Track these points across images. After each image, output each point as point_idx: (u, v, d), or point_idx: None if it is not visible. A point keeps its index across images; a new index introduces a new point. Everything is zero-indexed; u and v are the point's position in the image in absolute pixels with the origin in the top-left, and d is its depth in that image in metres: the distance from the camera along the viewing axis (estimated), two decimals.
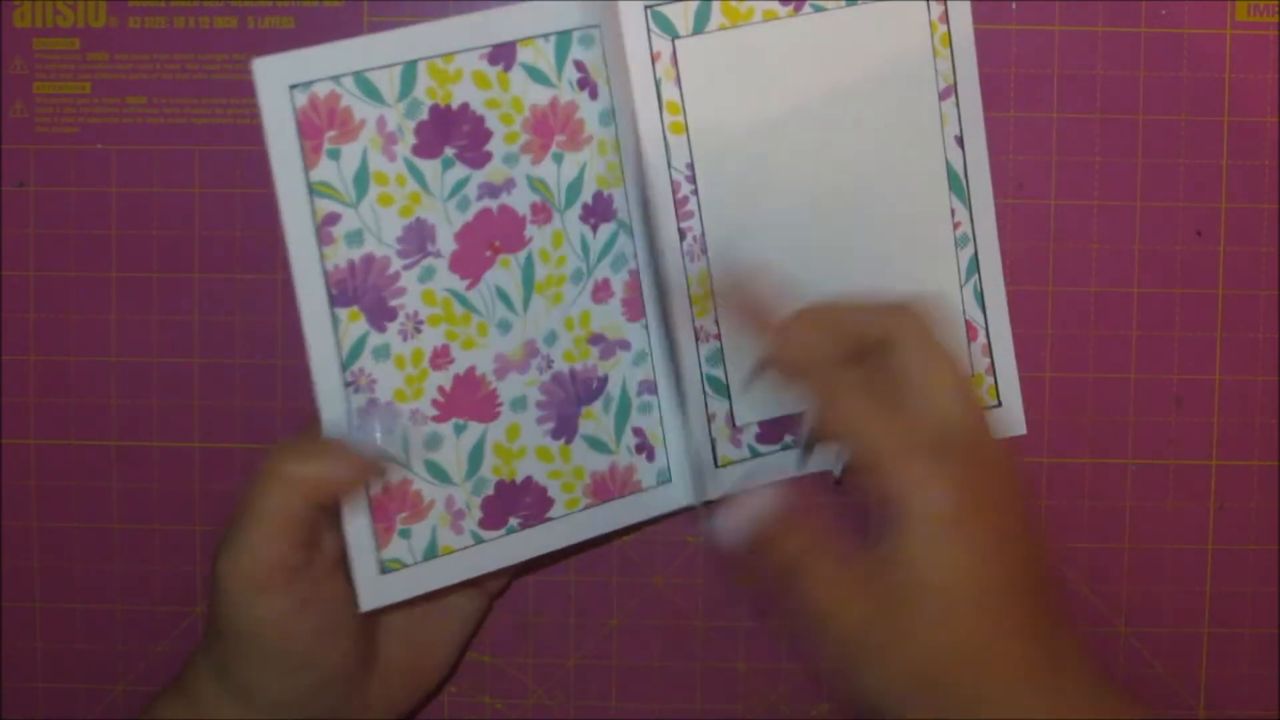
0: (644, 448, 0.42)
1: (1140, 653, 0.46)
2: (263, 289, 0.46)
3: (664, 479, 0.43)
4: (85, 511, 0.47)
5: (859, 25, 0.41)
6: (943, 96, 0.42)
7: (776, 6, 0.41)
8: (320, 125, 0.37)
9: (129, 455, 0.46)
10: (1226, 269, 0.45)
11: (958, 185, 0.42)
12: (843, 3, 0.41)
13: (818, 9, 0.41)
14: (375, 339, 0.38)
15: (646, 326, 0.42)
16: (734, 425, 0.42)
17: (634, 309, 0.42)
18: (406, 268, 0.38)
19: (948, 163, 0.42)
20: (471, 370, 0.40)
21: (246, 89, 0.45)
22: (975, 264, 0.43)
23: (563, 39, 0.39)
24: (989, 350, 0.43)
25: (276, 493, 0.37)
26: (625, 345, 0.42)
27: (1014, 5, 0.45)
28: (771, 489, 0.37)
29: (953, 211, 0.42)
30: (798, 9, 0.41)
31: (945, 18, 0.42)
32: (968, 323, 0.43)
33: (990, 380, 0.44)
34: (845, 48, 0.41)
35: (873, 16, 0.41)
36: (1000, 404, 0.44)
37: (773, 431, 0.43)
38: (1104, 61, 0.45)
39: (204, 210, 0.46)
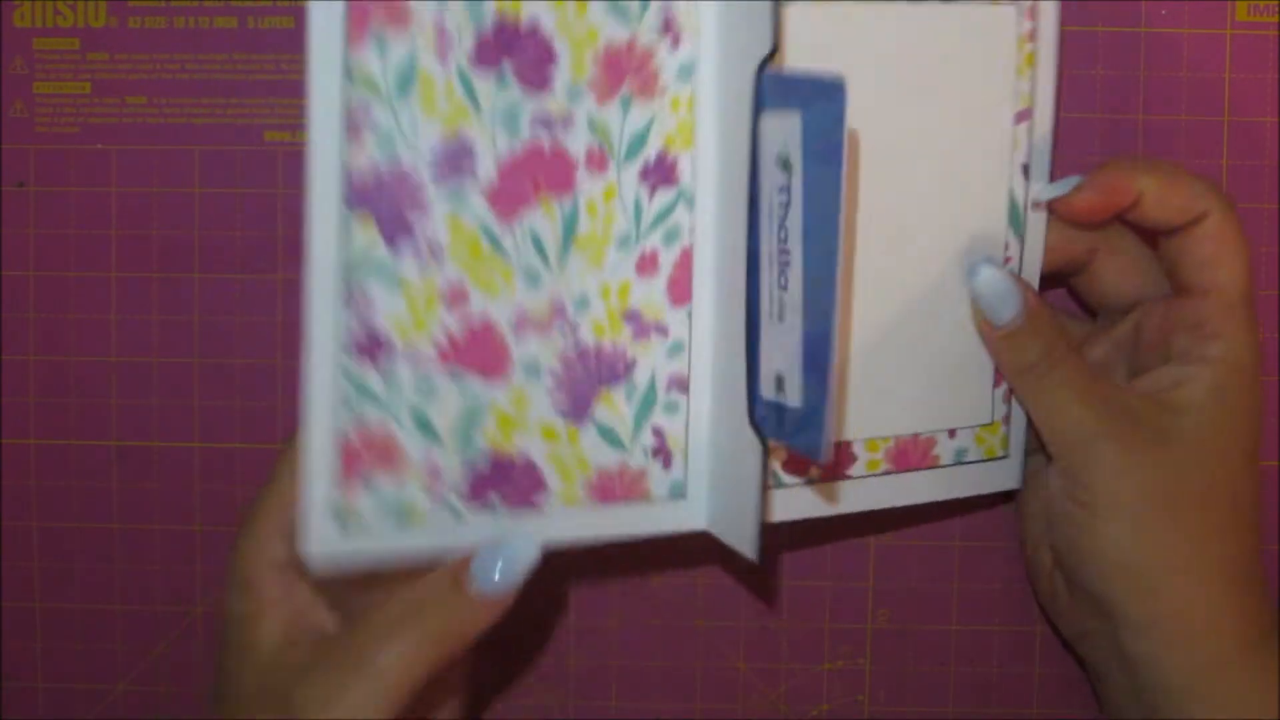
0: (661, 451, 0.38)
1: None
2: (263, 289, 0.46)
3: (677, 493, 0.38)
4: (85, 511, 0.47)
5: (948, 24, 0.37)
6: (1018, 119, 0.38)
7: None
8: (369, 8, 0.33)
9: (129, 455, 0.46)
10: None
11: (1016, 217, 0.39)
12: None
13: None
14: (384, 255, 0.34)
15: (690, 314, 0.37)
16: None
17: (680, 291, 0.37)
18: (436, 184, 0.34)
19: (1010, 191, 0.39)
20: (487, 318, 0.35)
21: (246, 89, 0.45)
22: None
23: None
24: (1010, 398, 0.41)
25: (408, 647, 0.34)
26: (663, 330, 0.37)
27: None
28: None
29: (1006, 245, 0.40)
30: None
31: (1033, 35, 0.38)
32: (997, 369, 0.40)
33: (1005, 430, 0.41)
34: (930, 45, 0.37)
35: (962, 17, 0.37)
36: (1007, 455, 0.42)
37: (799, 463, 0.39)
38: (1104, 61, 0.45)
39: (204, 210, 0.46)
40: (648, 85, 0.36)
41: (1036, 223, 0.40)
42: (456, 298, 0.35)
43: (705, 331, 0.37)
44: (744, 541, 0.36)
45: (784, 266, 0.33)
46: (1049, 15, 0.38)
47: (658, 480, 0.38)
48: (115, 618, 0.47)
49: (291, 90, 0.45)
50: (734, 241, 0.35)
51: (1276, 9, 0.45)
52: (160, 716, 0.47)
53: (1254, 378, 0.38)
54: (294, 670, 0.35)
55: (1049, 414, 0.39)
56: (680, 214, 0.37)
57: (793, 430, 0.34)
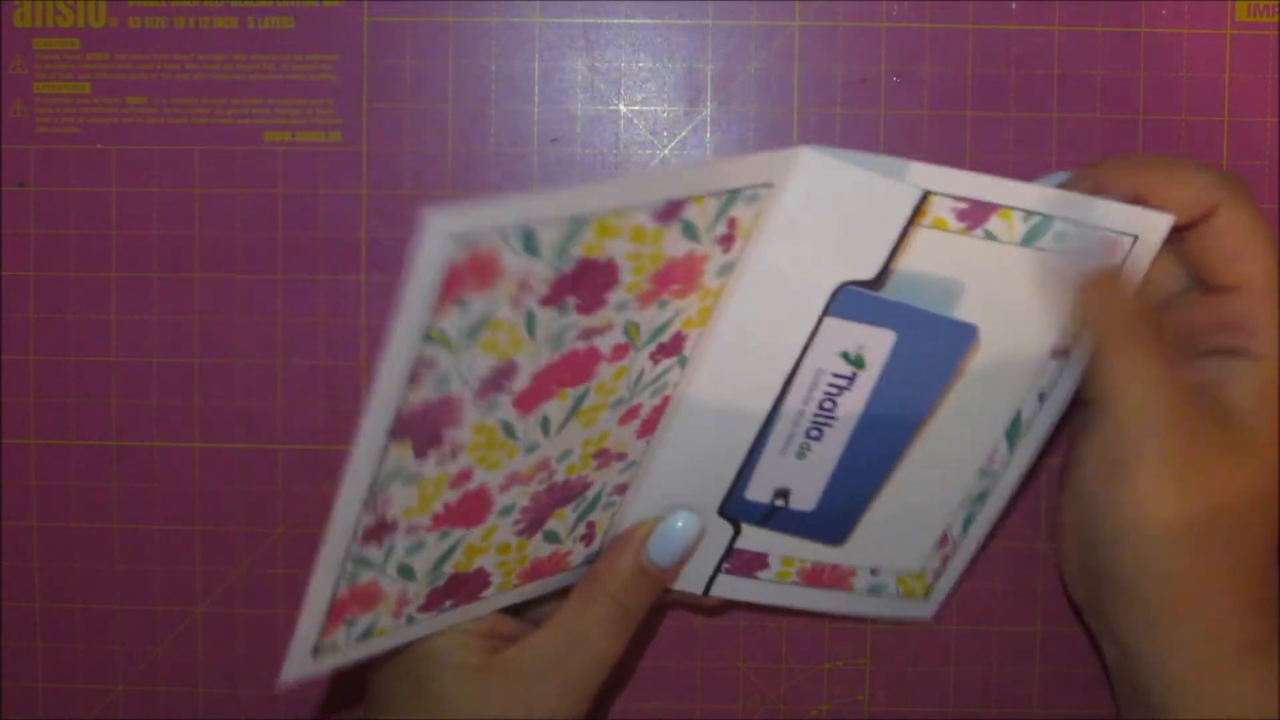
0: (587, 536, 0.41)
1: None
2: (263, 289, 0.46)
3: (591, 559, 0.42)
4: (85, 511, 0.47)
5: (1018, 265, 0.38)
6: (1053, 354, 0.39)
7: (950, 219, 0.37)
8: (465, 275, 0.32)
9: (129, 455, 0.46)
10: None
11: (1014, 431, 0.41)
12: (1016, 241, 0.38)
13: (989, 237, 0.38)
14: (412, 465, 0.35)
15: (649, 442, 0.40)
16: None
17: (648, 428, 0.39)
18: (475, 404, 0.35)
19: (1019, 408, 0.40)
20: (483, 486, 0.37)
21: (246, 89, 0.45)
22: (982, 499, 0.42)
23: (730, 196, 0.35)
24: (947, 560, 0.43)
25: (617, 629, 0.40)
26: (622, 457, 0.39)
27: (1014, 5, 0.45)
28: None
29: (995, 449, 0.41)
30: (970, 229, 0.37)
31: None
32: (943, 534, 0.43)
33: (931, 581, 0.44)
34: (992, 278, 0.38)
35: (1037, 262, 0.38)
36: (927, 599, 0.44)
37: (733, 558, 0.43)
38: (1104, 61, 0.45)
39: (204, 210, 0.46)
40: (688, 287, 0.37)
41: (1032, 443, 0.41)
42: (462, 478, 0.36)
43: (656, 449, 0.40)
44: (696, 584, 0.43)
45: (820, 425, 0.40)
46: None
47: (579, 554, 0.41)
48: (115, 618, 0.47)
49: (291, 90, 0.45)
50: (727, 391, 0.39)
51: (1276, 9, 0.45)
52: (160, 717, 0.47)
53: None
54: (512, 667, 0.39)
55: (1116, 384, 0.36)
56: (671, 374, 0.38)
57: (805, 526, 0.42)
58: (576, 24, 0.45)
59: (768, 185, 0.36)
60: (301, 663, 0.37)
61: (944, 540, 0.43)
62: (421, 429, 0.34)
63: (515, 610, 0.41)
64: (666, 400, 0.39)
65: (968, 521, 0.43)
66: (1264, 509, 0.37)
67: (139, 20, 0.45)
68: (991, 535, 0.43)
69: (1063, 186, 0.39)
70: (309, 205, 0.46)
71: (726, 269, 0.37)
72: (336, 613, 0.37)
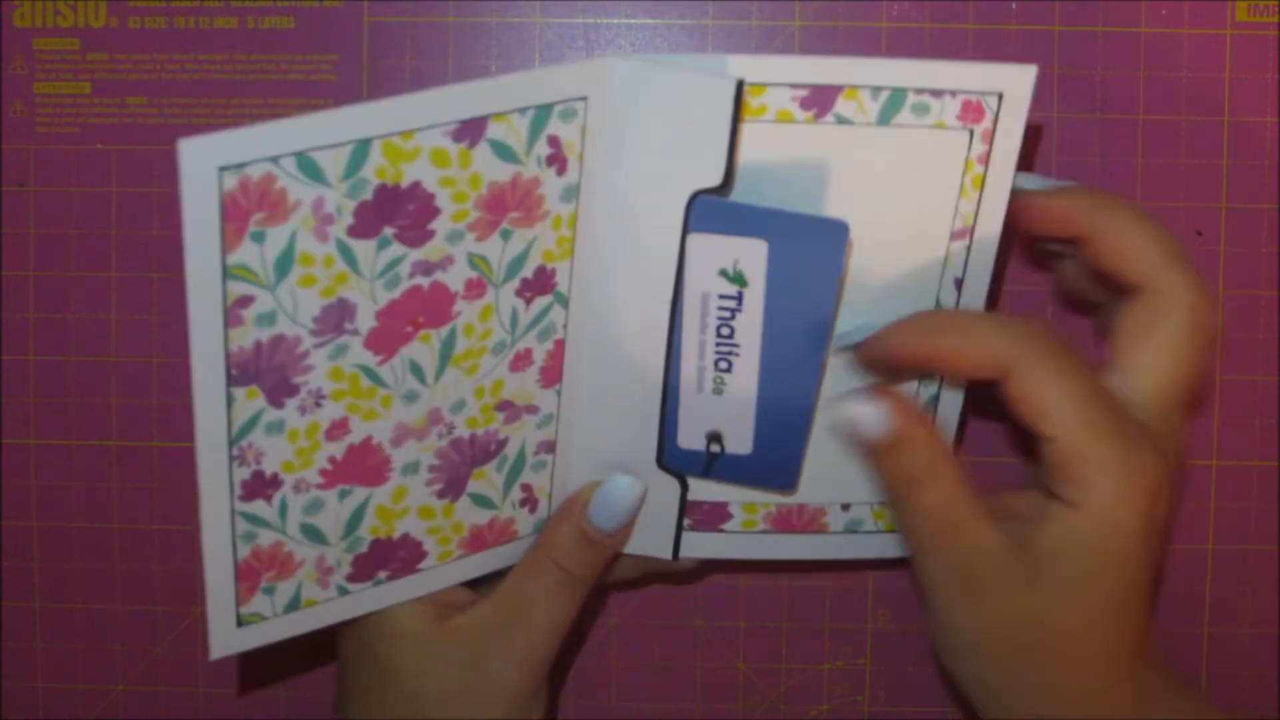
0: (528, 501, 0.40)
1: None
2: None
3: (540, 527, 0.41)
4: (85, 511, 0.47)
5: (882, 146, 0.36)
6: (955, 236, 0.38)
7: (794, 109, 0.36)
8: (247, 208, 0.32)
9: (129, 455, 0.46)
10: (1226, 269, 0.45)
11: None
12: (872, 121, 0.36)
13: (842, 121, 0.36)
14: (270, 415, 0.35)
15: (559, 391, 0.39)
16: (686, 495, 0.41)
17: (550, 376, 0.39)
18: (317, 346, 0.35)
19: (938, 300, 0.39)
20: (368, 439, 0.37)
21: (246, 89, 0.45)
22: (934, 404, 0.40)
23: (540, 113, 0.35)
24: None
25: (566, 603, 0.40)
26: (533, 410, 0.39)
27: (1014, 5, 0.45)
28: (904, 392, 0.36)
29: None
30: (818, 117, 0.36)
31: (986, 159, 0.37)
32: None
33: None
34: (859, 166, 0.37)
35: (902, 141, 0.36)
36: None
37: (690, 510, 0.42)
38: (1104, 61, 0.45)
39: None
40: (530, 214, 0.36)
41: None
42: (337, 429, 0.36)
43: (576, 403, 0.39)
44: (662, 547, 0.42)
45: (726, 355, 0.38)
46: (1007, 145, 0.37)
47: (524, 522, 0.41)
48: (115, 618, 0.47)
49: (291, 90, 0.45)
50: (620, 330, 0.38)
51: (1276, 9, 0.45)
52: (160, 717, 0.47)
53: (1127, 530, 0.34)
54: (460, 635, 0.39)
55: (907, 544, 0.37)
56: (554, 314, 0.38)
57: (750, 473, 0.40)
58: (576, 24, 0.45)
59: (581, 99, 0.35)
60: (227, 634, 0.37)
61: None
62: (264, 374, 0.34)
63: (473, 584, 0.41)
64: (560, 346, 0.39)
65: None
66: (1072, 640, 0.35)
67: (139, 20, 0.45)
68: (958, 445, 0.41)
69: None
70: None
71: (570, 193, 0.36)
72: (246, 577, 0.37)
